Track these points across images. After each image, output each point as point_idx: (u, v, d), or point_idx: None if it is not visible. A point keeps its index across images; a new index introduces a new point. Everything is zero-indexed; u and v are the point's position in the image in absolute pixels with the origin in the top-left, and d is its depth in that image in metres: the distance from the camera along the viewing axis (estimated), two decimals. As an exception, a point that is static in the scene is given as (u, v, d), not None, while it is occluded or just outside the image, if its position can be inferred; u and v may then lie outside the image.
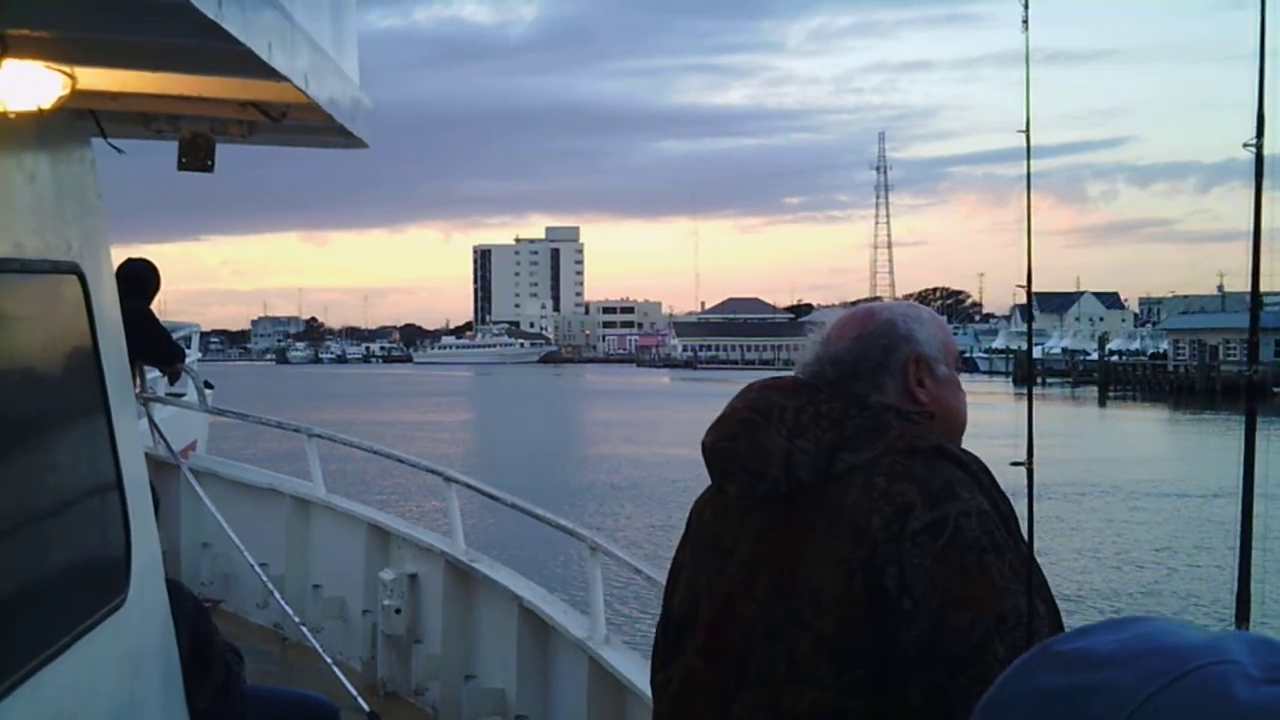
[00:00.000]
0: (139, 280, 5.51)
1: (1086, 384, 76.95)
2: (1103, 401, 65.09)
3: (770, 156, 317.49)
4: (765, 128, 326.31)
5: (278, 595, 5.35)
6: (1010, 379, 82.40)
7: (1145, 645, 0.57)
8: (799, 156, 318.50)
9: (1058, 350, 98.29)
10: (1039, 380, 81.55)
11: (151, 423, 6.33)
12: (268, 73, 1.81)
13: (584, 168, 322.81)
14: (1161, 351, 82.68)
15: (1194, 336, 75.63)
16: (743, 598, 1.56)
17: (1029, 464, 1.46)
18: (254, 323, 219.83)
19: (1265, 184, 1.35)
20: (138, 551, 2.31)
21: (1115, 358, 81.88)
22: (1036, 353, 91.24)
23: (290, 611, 5.26)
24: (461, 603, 4.78)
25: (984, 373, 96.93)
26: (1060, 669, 0.58)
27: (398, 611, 5.01)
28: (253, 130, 2.61)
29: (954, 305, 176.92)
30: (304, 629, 5.17)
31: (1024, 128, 1.44)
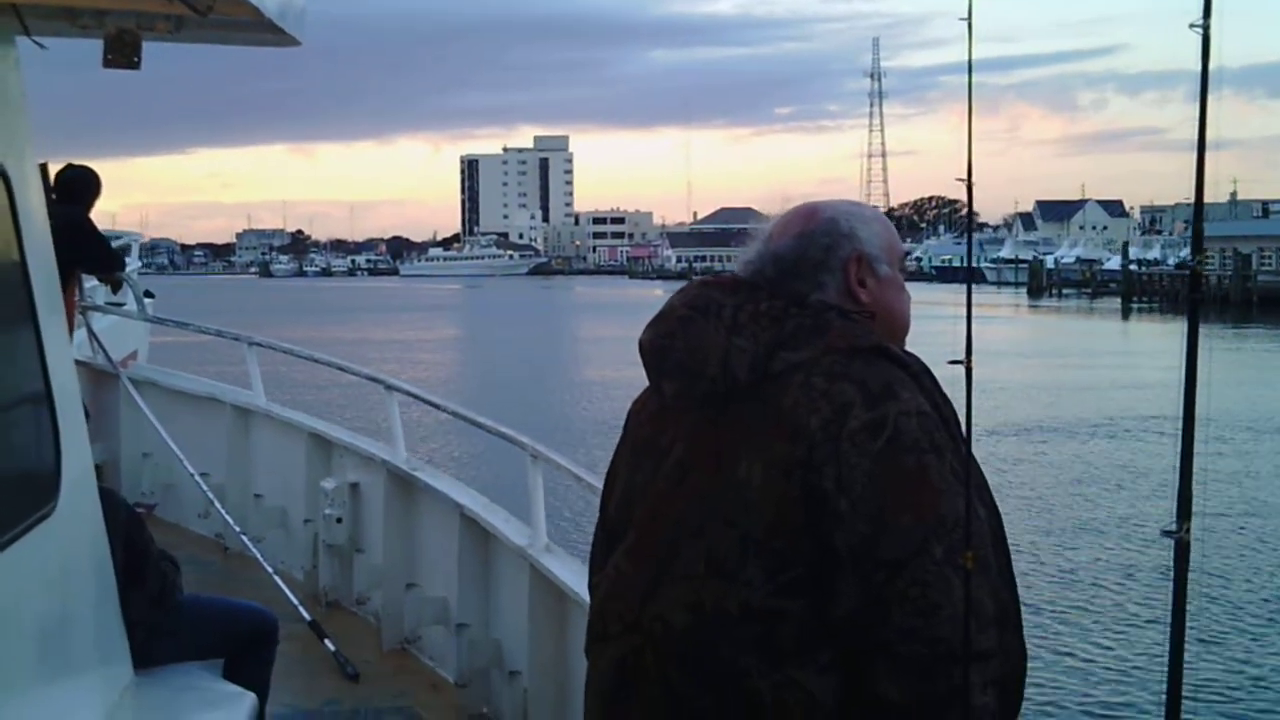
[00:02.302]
0: (77, 188, 5.38)
1: (1105, 295, 72.51)
2: (1125, 314, 61.25)
3: (760, 66, 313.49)
4: (755, 37, 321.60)
5: (218, 505, 5.31)
6: (1025, 290, 78.48)
7: None
8: (789, 66, 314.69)
9: (1070, 259, 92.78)
10: (1054, 292, 77.72)
11: (90, 332, 6.25)
12: None
13: (574, 79, 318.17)
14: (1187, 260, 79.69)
15: (1224, 244, 69.83)
16: (672, 496, 1.53)
17: (968, 363, 1.43)
18: (239, 235, 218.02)
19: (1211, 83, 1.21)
20: (68, 461, 2.27)
21: (1135, 267, 75.72)
22: (1049, 263, 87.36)
23: (231, 521, 5.24)
24: (403, 512, 4.76)
25: (992, 283, 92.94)
26: None
27: (339, 521, 4.99)
28: (180, 26, 2.54)
29: (950, 214, 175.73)
30: (245, 539, 5.15)
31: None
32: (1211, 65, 1.27)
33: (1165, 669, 1.41)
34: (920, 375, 1.53)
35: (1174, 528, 1.40)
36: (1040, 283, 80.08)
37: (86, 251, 5.27)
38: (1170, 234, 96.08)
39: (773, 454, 1.45)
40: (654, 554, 1.53)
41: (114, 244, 6.67)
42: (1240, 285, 62.72)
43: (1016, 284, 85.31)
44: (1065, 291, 77.95)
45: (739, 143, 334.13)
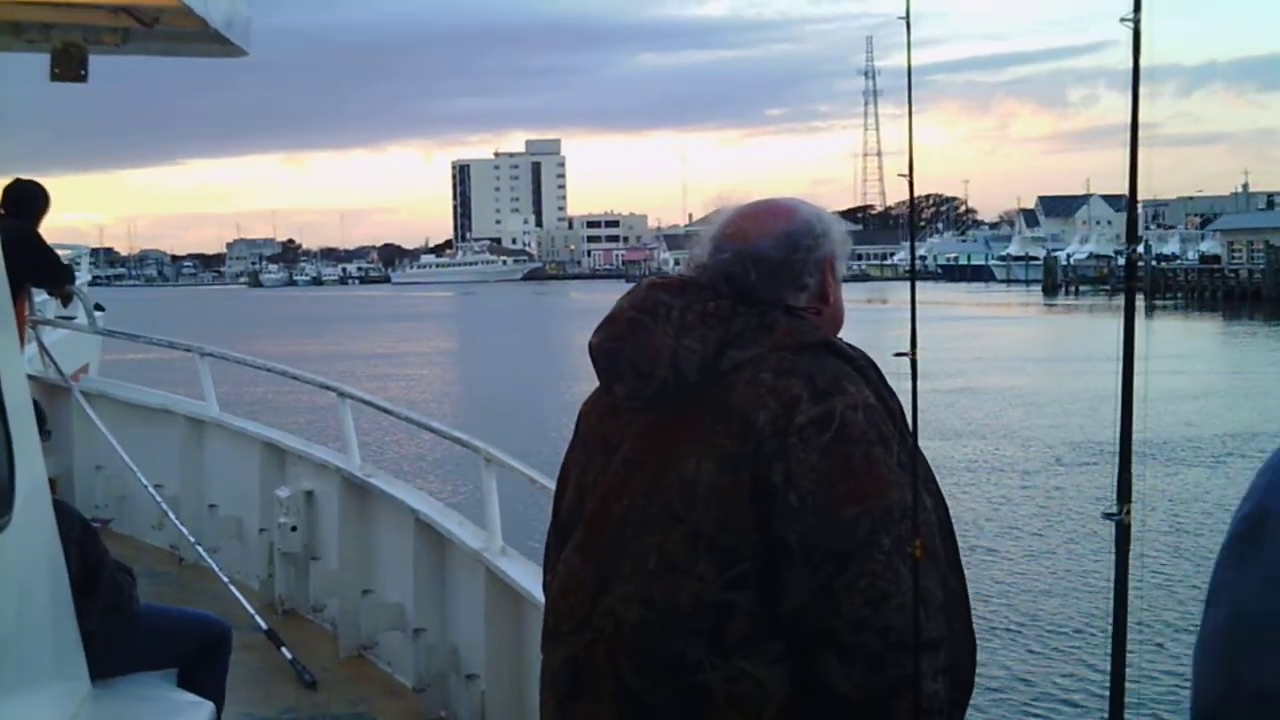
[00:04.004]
0: (25, 201, 5.38)
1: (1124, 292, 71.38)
2: (1150, 311, 55.40)
3: (751, 68, 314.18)
4: (745, 39, 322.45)
5: (172, 516, 5.30)
6: (1040, 288, 74.97)
7: None
8: (780, 67, 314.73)
9: (1083, 255, 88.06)
10: (1071, 289, 73.97)
11: (41, 346, 6.24)
12: None
13: (564, 83, 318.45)
14: (1213, 255, 73.07)
15: (1253, 237, 66.36)
16: (621, 493, 1.54)
17: (912, 355, 1.44)
18: (229, 246, 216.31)
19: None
20: (21, 474, 2.24)
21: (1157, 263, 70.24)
22: (1062, 259, 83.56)
23: (186, 532, 5.22)
24: (358, 518, 4.76)
25: (1001, 281, 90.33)
26: None
27: (294, 529, 4.99)
28: (127, 38, 2.56)
29: (947, 212, 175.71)
30: (200, 549, 5.14)
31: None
32: (1143, 60, 1.25)
33: (1109, 650, 1.39)
34: (866, 369, 1.54)
35: (1116, 510, 1.37)
36: (1055, 280, 76.64)
37: (36, 265, 5.27)
38: (1184, 227, 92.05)
39: (722, 450, 1.46)
40: (604, 550, 1.54)
41: (64, 257, 6.65)
42: (1273, 279, 58.25)
43: (1027, 281, 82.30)
44: (1082, 289, 74.50)
45: (730, 145, 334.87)
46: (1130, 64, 1.33)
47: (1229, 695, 0.61)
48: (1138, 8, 1.20)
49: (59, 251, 6.32)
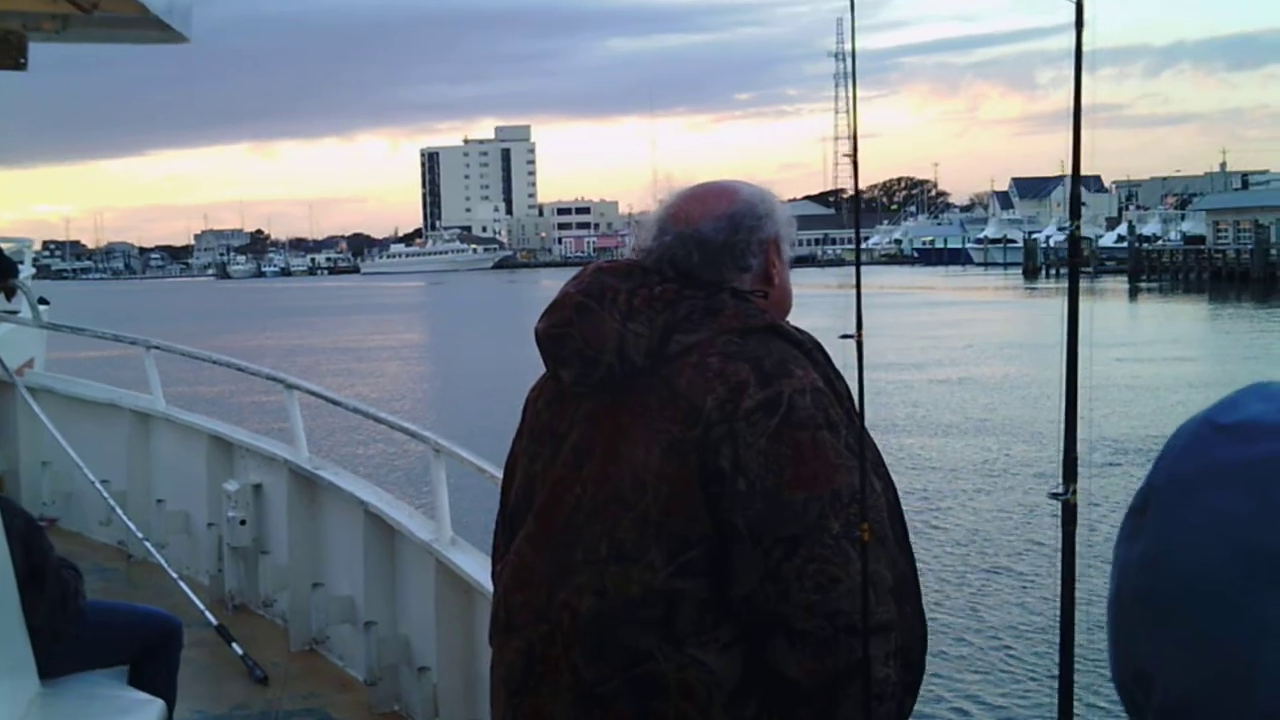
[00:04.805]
0: None
1: (1109, 274, 65.86)
2: (1133, 294, 54.20)
3: (719, 52, 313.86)
4: (714, 23, 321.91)
5: (120, 511, 5.26)
6: (1020, 271, 72.44)
7: None
8: (748, 51, 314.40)
9: (1062, 238, 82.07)
10: (1052, 272, 70.76)
11: None
12: None
13: (534, 69, 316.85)
14: (1197, 235, 70.52)
15: (1239, 217, 64.42)
16: (571, 482, 1.53)
17: (858, 337, 1.43)
18: (196, 237, 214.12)
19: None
20: None
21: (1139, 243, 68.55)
22: (1041, 241, 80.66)
23: (133, 527, 5.19)
24: (307, 511, 4.73)
25: (979, 264, 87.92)
26: (1238, 442, 0.58)
27: (243, 523, 4.96)
28: (66, 25, 2.54)
29: (918, 195, 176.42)
30: (148, 544, 5.11)
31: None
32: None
33: (1057, 629, 1.39)
34: (813, 351, 1.54)
35: (1062, 490, 1.37)
36: (1036, 263, 74.18)
37: None
38: (1164, 207, 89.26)
39: (669, 436, 1.45)
40: (556, 540, 1.53)
41: (6, 250, 6.55)
42: (1262, 260, 56.71)
43: (1005, 264, 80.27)
44: (1063, 271, 73.29)
45: (699, 130, 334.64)
46: (1073, 44, 1.32)
47: (1120, 673, 0.60)
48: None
49: (1, 245, 6.25)
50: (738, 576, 1.43)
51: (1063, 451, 1.33)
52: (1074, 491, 1.36)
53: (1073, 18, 1.23)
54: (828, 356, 1.56)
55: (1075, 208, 1.42)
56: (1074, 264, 1.32)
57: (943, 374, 24.99)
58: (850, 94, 1.48)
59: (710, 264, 1.56)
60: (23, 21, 2.46)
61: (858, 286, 1.45)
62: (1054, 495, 1.39)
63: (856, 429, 1.47)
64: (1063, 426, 1.33)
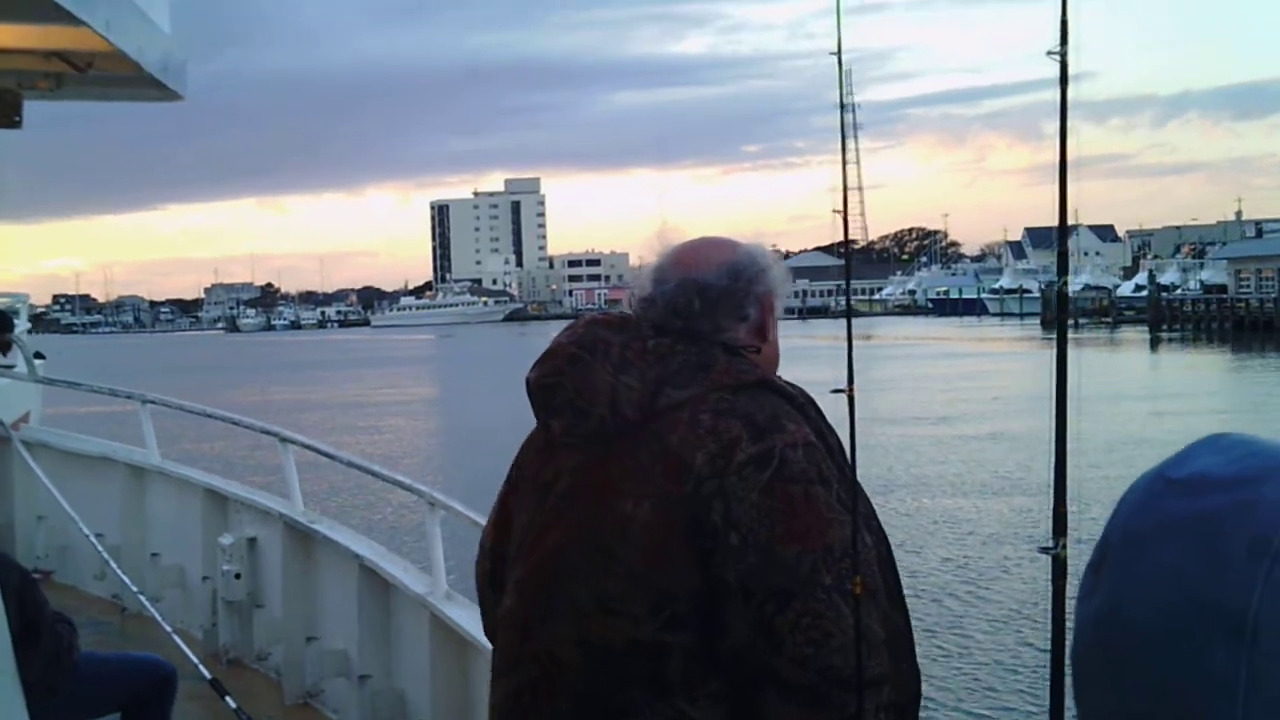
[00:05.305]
0: None
1: (1129, 324, 66.08)
2: (1155, 344, 53.05)
3: (727, 105, 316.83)
4: (722, 76, 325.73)
5: (114, 565, 5.26)
6: (1038, 322, 71.05)
7: (1266, 462, 0.58)
8: (756, 104, 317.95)
9: (1079, 287, 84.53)
10: (1070, 322, 72.84)
11: None
12: (64, 17, 1.78)
13: (542, 122, 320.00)
14: (1217, 284, 69.98)
15: (1261, 265, 63.74)
16: (557, 532, 1.54)
17: (849, 390, 1.44)
18: (206, 291, 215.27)
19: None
20: None
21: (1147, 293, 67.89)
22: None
23: (128, 581, 5.18)
24: (301, 564, 4.75)
25: (994, 314, 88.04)
26: (1186, 495, 0.58)
27: (237, 576, 4.98)
28: (61, 83, 2.57)
29: (930, 245, 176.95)
30: (142, 598, 5.09)
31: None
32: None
33: (1048, 684, 1.38)
34: (805, 406, 1.55)
35: (1051, 544, 1.36)
36: (1053, 313, 74.04)
37: None
38: (1182, 256, 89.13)
39: (659, 490, 1.45)
40: (541, 589, 1.54)
41: (2, 305, 6.65)
42: None
43: (1022, 315, 79.53)
44: (1081, 321, 71.28)
45: (707, 182, 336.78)
46: (1058, 99, 1.34)
47: None
48: (1064, 40, 1.22)
49: None
50: (729, 629, 1.43)
51: (1053, 505, 1.33)
52: (1064, 546, 1.35)
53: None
54: (819, 410, 1.57)
55: (1063, 262, 1.43)
56: (1061, 318, 1.32)
57: (968, 428, 24.53)
58: (841, 145, 1.50)
59: (710, 311, 1.57)
60: (17, 80, 2.50)
61: (849, 341, 1.48)
62: (1044, 550, 1.38)
63: (849, 483, 1.47)
64: (1052, 480, 1.33)
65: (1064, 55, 1.29)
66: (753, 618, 1.42)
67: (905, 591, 1.60)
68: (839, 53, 1.46)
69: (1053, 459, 1.31)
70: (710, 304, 1.57)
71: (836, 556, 1.42)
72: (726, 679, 1.44)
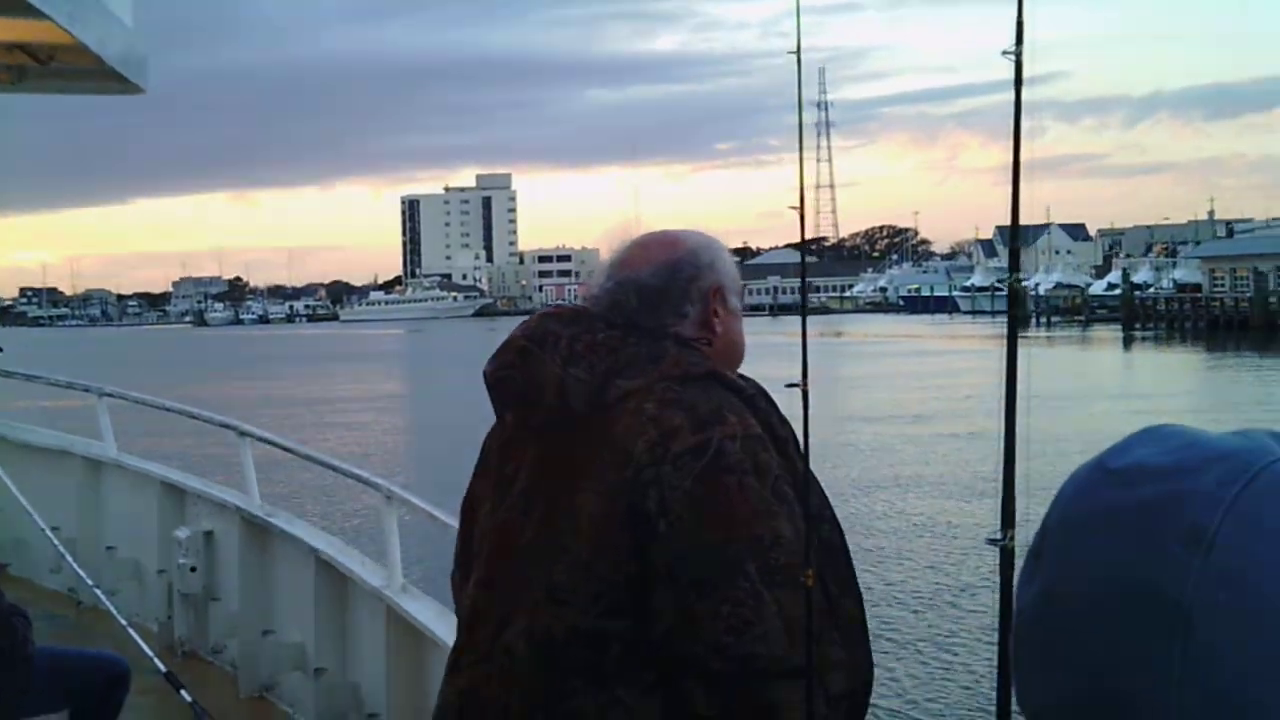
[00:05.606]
0: None
1: (1102, 322, 66.21)
2: (1128, 343, 52.28)
3: (700, 103, 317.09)
4: (694, 74, 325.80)
5: (69, 558, 5.23)
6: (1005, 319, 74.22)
7: (1203, 453, 0.59)
8: (728, 102, 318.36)
9: (1051, 285, 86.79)
10: (1043, 321, 70.72)
11: None
12: (26, 10, 1.76)
13: (515, 119, 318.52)
14: (1192, 283, 70.45)
15: (1235, 264, 63.81)
16: (518, 526, 1.55)
17: (804, 385, 1.45)
18: (174, 284, 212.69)
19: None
20: None
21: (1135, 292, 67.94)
22: (1031, 289, 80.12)
23: (83, 574, 5.15)
24: (258, 558, 4.74)
25: (966, 313, 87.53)
26: (1123, 485, 0.59)
27: (193, 570, 4.97)
28: (22, 76, 2.55)
29: (900, 243, 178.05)
30: (98, 591, 5.05)
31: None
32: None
33: (995, 670, 1.41)
34: (755, 398, 1.55)
35: (999, 535, 1.38)
36: (1026, 311, 71.57)
37: None
38: (1154, 255, 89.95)
39: (603, 480, 1.47)
40: (504, 584, 1.55)
41: None
42: (1262, 308, 55.87)
43: (993, 312, 78.25)
44: (1054, 319, 71.73)
45: (678, 179, 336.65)
46: (1012, 100, 1.36)
47: (1023, 713, 0.62)
48: (1019, 40, 1.23)
49: None
50: (657, 617, 1.45)
51: (1001, 498, 1.35)
52: (1011, 537, 1.37)
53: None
54: (771, 402, 1.57)
55: (1014, 261, 1.45)
56: (1012, 314, 1.33)
57: (934, 427, 24.37)
58: (799, 142, 1.51)
59: (649, 309, 1.58)
60: (-23, 72, 2.51)
61: (803, 336, 1.48)
62: (992, 541, 1.40)
63: (798, 476, 1.48)
64: (1001, 474, 1.35)
65: (1019, 55, 1.30)
66: (676, 604, 1.43)
67: (860, 583, 1.61)
68: (798, 51, 1.47)
69: (1002, 451, 1.33)
70: (648, 302, 1.59)
71: (765, 546, 1.42)
72: (660, 667, 1.45)
